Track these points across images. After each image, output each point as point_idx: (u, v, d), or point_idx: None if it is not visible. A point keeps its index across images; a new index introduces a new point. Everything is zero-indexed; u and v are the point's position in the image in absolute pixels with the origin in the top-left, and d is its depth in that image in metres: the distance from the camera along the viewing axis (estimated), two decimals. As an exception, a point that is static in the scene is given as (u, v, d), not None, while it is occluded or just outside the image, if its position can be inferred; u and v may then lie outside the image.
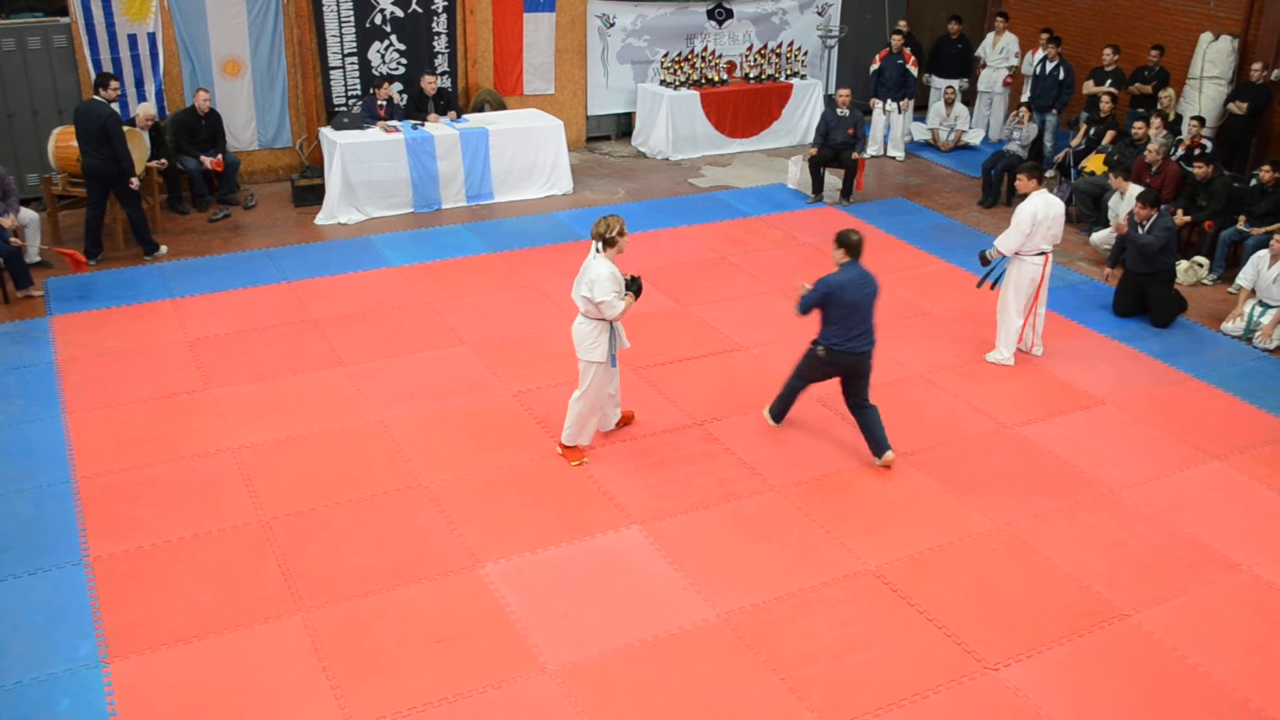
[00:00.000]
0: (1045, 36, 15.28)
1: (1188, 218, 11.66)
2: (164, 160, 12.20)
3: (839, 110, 13.69)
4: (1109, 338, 10.22)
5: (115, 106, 10.92)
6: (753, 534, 7.28)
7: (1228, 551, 7.24)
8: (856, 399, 8.14)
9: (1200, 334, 10.46)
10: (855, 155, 13.56)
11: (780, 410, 8.56)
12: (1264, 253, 10.39)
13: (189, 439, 8.19)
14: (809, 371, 8.28)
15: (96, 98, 10.77)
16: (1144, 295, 10.58)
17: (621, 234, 7.58)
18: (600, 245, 7.58)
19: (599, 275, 7.48)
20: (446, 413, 8.65)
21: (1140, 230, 10.37)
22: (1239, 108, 13.56)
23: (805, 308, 7.93)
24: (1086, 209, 12.66)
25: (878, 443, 8.08)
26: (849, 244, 7.81)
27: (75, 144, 11.03)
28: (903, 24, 16.08)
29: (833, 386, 9.07)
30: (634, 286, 7.72)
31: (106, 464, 7.85)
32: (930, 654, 6.27)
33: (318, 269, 11.30)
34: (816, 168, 13.75)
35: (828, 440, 8.42)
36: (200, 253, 11.67)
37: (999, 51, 16.26)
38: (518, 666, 6.07)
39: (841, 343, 7.86)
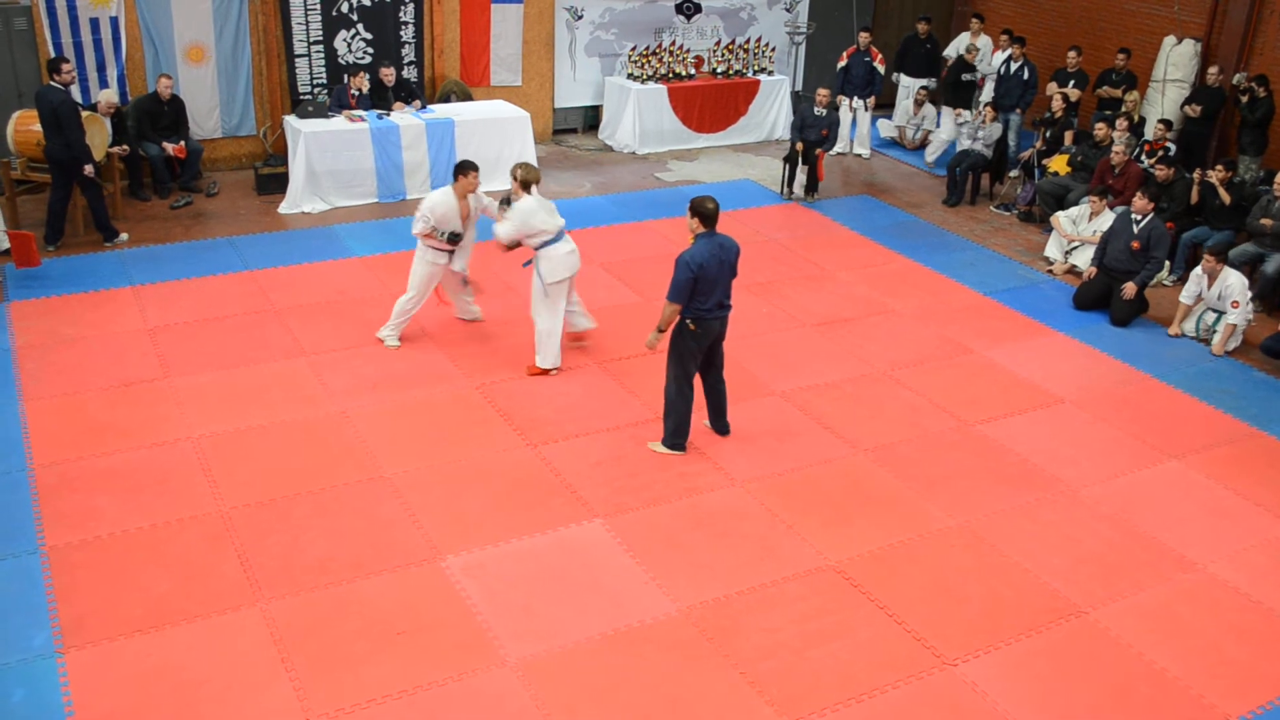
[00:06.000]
0: (1006, 37, 15.36)
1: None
2: (125, 146, 12.05)
3: (816, 109, 13.67)
4: (1070, 337, 10.31)
5: (75, 90, 10.78)
6: (714, 529, 7.29)
7: (1184, 550, 7.33)
8: (719, 368, 8.11)
9: (1160, 335, 10.56)
10: (818, 151, 13.58)
11: (684, 435, 8.11)
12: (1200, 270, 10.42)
13: (148, 428, 8.11)
14: (688, 363, 7.85)
15: (52, 83, 10.62)
16: (1109, 291, 10.68)
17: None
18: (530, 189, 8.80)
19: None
20: (409, 404, 8.61)
21: (1135, 228, 10.48)
22: (1193, 110, 13.69)
23: (678, 295, 7.55)
24: (1049, 209, 12.74)
25: (720, 417, 8.33)
26: (704, 213, 7.57)
27: (35, 128, 10.89)
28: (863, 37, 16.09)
29: (800, 380, 9.12)
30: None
31: (64, 452, 7.75)
32: (889, 649, 6.31)
33: (280, 258, 11.21)
34: (793, 164, 13.75)
35: (790, 436, 8.44)
36: (161, 240, 11.55)
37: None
38: (478, 659, 6.06)
39: (710, 311, 7.66)
